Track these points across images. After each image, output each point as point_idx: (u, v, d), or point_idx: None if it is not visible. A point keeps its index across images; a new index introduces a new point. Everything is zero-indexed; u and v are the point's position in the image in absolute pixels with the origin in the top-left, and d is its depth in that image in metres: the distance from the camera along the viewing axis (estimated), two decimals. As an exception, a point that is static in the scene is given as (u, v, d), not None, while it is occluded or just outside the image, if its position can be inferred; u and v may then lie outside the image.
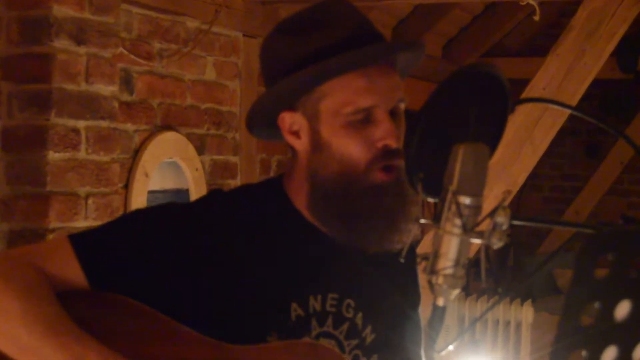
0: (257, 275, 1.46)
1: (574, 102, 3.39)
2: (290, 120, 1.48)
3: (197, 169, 3.61)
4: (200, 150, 3.68)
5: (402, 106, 1.46)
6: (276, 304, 1.46)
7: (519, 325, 3.85)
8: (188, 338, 1.41)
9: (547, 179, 6.92)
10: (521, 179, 3.49)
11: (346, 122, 1.43)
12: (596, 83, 3.77)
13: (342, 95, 1.43)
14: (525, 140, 3.43)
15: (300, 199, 1.50)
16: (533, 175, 4.85)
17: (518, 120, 3.41)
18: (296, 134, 1.48)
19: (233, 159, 3.91)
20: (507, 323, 3.88)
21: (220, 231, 1.46)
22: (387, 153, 1.43)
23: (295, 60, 1.44)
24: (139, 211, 1.57)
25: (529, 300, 3.95)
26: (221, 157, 3.84)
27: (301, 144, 1.48)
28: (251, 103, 1.59)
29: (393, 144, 1.43)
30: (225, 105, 3.85)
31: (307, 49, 1.44)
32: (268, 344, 1.43)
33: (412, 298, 1.63)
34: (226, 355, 1.41)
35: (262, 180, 1.61)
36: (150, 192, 3.39)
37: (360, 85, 1.42)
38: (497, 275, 5.53)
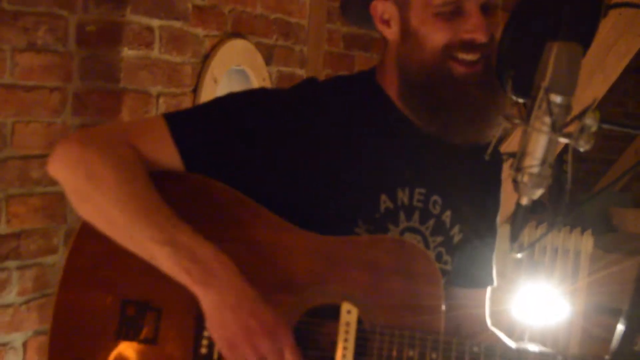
0: (349, 163, 1.46)
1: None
2: (381, 9, 1.49)
3: (264, 79, 3.61)
4: (267, 61, 3.67)
5: (496, 1, 1.45)
6: (366, 193, 1.46)
7: (577, 254, 3.85)
8: (280, 226, 1.41)
9: (609, 116, 6.77)
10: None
11: (435, 13, 1.42)
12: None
13: None
14: (596, 67, 3.34)
15: (392, 90, 1.51)
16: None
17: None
18: (387, 23, 1.50)
19: (299, 71, 3.90)
20: (567, 251, 3.88)
21: (315, 118, 1.46)
22: (468, 45, 1.42)
23: None
24: (234, 94, 1.54)
25: (589, 230, 3.94)
26: (288, 68, 3.83)
27: (392, 33, 1.49)
28: (319, 17, 1.60)
29: (481, 38, 1.42)
30: (294, 17, 3.82)
31: None
32: (356, 236, 1.44)
33: (494, 205, 1.64)
34: (319, 243, 1.41)
35: (356, 72, 1.60)
36: (218, 98, 3.38)
37: None
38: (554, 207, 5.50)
